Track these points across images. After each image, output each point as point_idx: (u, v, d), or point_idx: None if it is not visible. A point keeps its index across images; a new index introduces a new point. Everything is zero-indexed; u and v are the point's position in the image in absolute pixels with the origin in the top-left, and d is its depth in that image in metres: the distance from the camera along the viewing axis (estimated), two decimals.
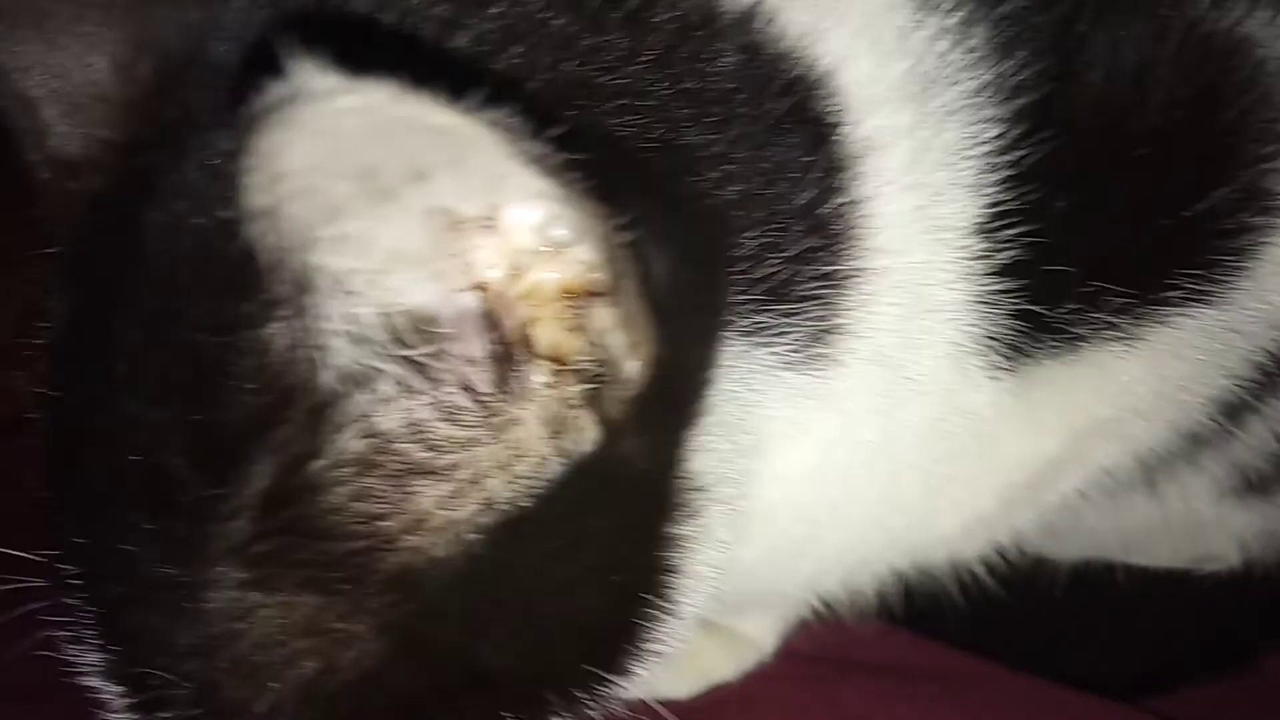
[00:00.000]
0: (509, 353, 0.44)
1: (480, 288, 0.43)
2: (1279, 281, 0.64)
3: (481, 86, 0.37)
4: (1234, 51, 0.62)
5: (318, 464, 0.45)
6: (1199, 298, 0.62)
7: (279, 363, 0.43)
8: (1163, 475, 0.73)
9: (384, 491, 0.45)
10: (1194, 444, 0.71)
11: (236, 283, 0.42)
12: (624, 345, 0.44)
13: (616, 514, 0.49)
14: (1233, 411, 0.69)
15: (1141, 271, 0.60)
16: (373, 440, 0.45)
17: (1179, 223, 0.60)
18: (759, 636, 0.77)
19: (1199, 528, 0.79)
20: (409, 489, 0.45)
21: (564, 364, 0.45)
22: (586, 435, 0.46)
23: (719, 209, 0.52)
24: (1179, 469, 0.72)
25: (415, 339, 0.43)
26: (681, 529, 0.51)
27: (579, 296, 0.44)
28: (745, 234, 0.53)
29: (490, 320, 0.44)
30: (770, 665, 0.77)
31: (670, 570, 0.51)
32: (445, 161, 0.38)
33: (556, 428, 0.45)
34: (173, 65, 0.52)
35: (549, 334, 0.44)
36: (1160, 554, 0.81)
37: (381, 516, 0.45)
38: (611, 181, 0.42)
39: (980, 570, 0.72)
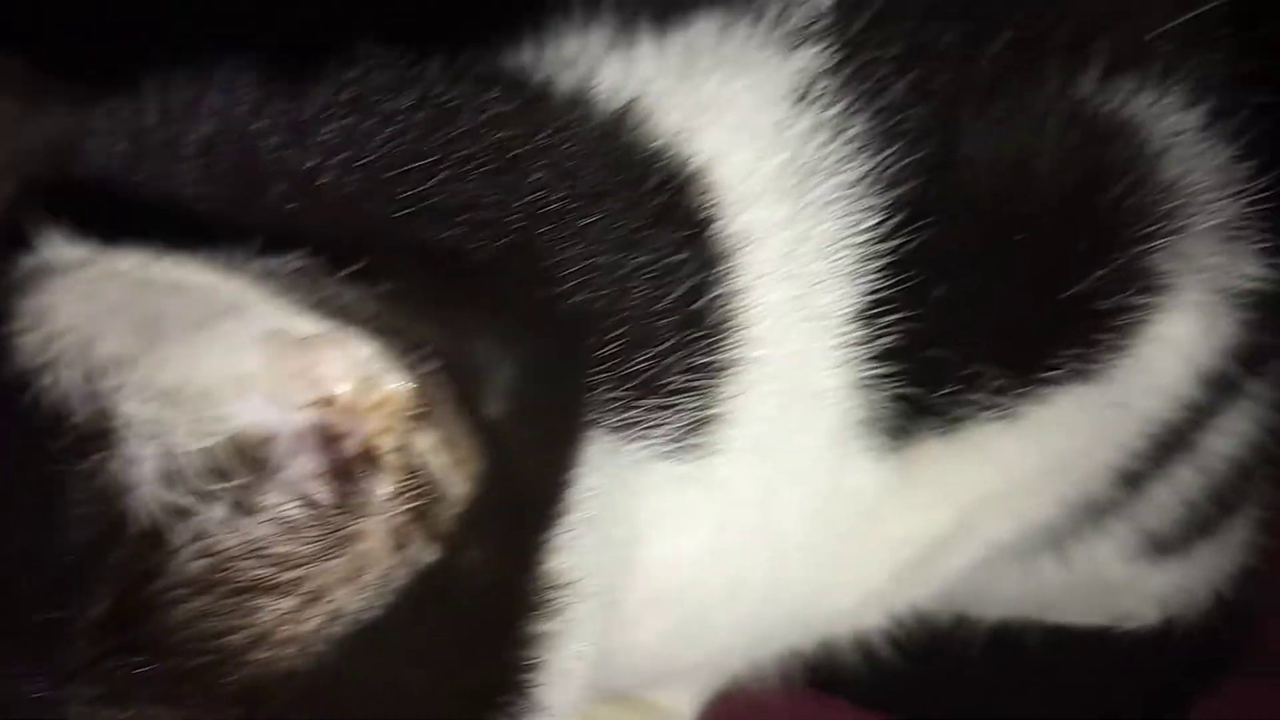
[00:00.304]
0: (348, 467, 0.45)
1: (316, 404, 0.44)
2: (1167, 357, 0.65)
3: (252, 239, 0.38)
4: (1117, 134, 0.63)
5: (157, 585, 0.46)
6: (1079, 376, 0.63)
7: (103, 494, 0.44)
8: (1068, 540, 0.73)
9: (225, 609, 0.46)
10: (1096, 511, 0.72)
11: (44, 427, 0.43)
12: (446, 465, 0.45)
13: (467, 619, 0.49)
14: (1133, 479, 0.70)
15: (1021, 353, 0.62)
16: (211, 560, 0.45)
17: (1059, 304, 0.62)
18: (677, 708, 0.78)
19: (1113, 588, 0.80)
20: (251, 605, 0.46)
21: (398, 479, 0.46)
22: (424, 548, 0.46)
23: (579, 312, 0.53)
24: (1084, 534, 0.73)
25: (243, 464, 0.44)
26: (541, 627, 0.52)
27: (401, 419, 0.44)
28: (610, 334, 0.54)
29: (328, 436, 0.45)
30: None
31: (531, 668, 0.52)
32: (215, 314, 0.40)
33: (399, 539, 0.46)
34: None
35: (382, 450, 0.45)
36: (1078, 613, 0.82)
37: (225, 633, 0.46)
38: (427, 305, 0.43)
39: (886, 637, 0.73)
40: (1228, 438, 0.74)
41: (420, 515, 0.46)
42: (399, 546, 0.46)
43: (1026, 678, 0.82)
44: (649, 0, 0.64)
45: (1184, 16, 0.67)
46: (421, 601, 0.47)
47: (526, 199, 0.54)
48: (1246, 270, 0.67)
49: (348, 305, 0.40)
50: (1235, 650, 0.89)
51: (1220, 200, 0.66)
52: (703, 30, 0.62)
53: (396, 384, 0.44)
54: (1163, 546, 0.78)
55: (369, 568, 0.46)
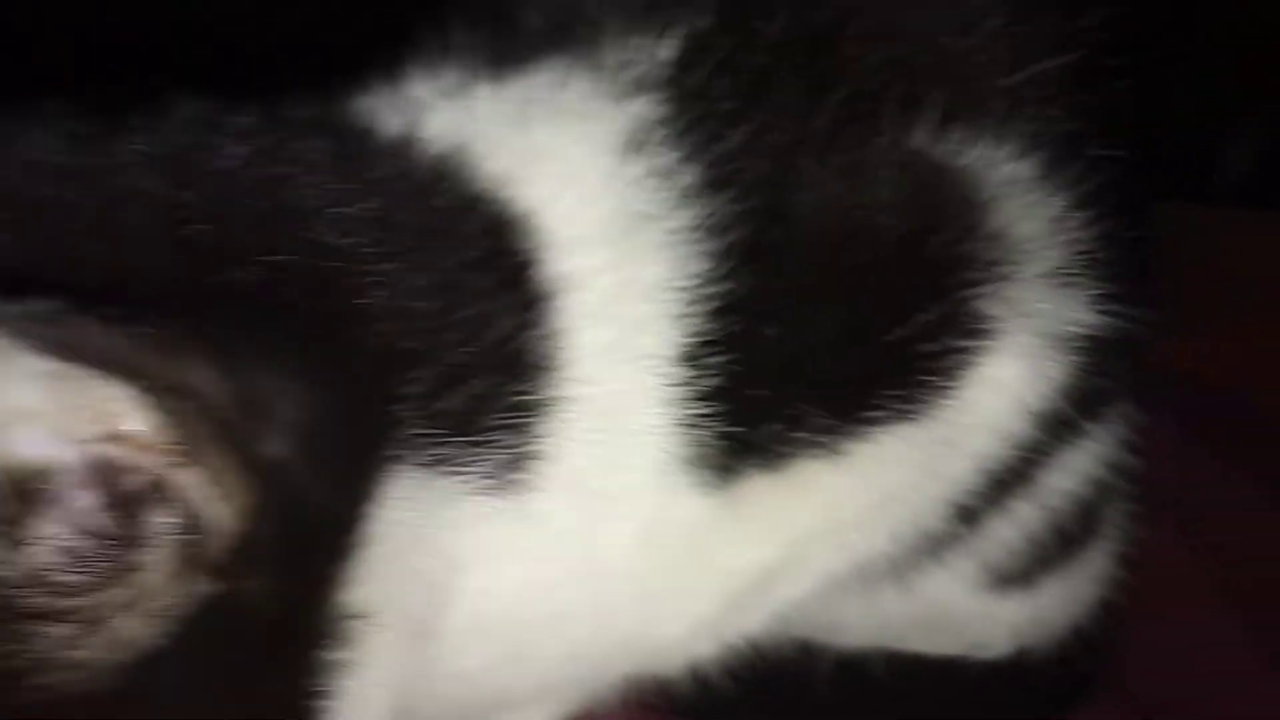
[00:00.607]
0: (129, 500, 0.47)
1: (101, 439, 0.46)
2: (994, 398, 0.67)
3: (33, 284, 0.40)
4: (948, 184, 0.66)
5: None
6: (904, 416, 0.65)
7: None
8: (908, 572, 0.75)
9: (6, 634, 0.48)
10: (934, 544, 0.74)
11: None
12: (212, 500, 0.47)
13: (252, 649, 0.51)
14: (970, 515, 0.73)
15: (844, 394, 0.64)
16: None
17: (883, 347, 0.64)
18: None
19: (959, 619, 0.82)
20: (31, 632, 0.47)
21: (171, 513, 0.48)
22: (200, 580, 0.48)
23: (386, 353, 0.55)
24: (924, 566, 0.75)
25: (20, 495, 0.46)
26: (334, 656, 0.53)
27: (167, 456, 0.46)
28: (421, 373, 0.56)
29: (111, 469, 0.47)
30: None
31: (323, 697, 0.53)
32: None
33: (176, 571, 0.48)
34: None
35: (156, 485, 0.47)
36: (929, 642, 0.84)
37: (6, 656, 0.48)
38: (189, 346, 0.45)
39: (732, 664, 0.75)
40: (1070, 475, 0.76)
41: (192, 548, 0.47)
42: (177, 578, 0.48)
43: (875, 707, 0.83)
44: (496, 47, 0.65)
45: (1021, 73, 0.69)
46: (204, 631, 0.49)
47: (339, 242, 0.55)
48: (1076, 316, 0.69)
49: (101, 348, 0.42)
50: (1090, 683, 0.91)
51: (1050, 248, 0.68)
52: (540, 80, 0.64)
53: (153, 423, 0.45)
54: (1007, 579, 0.79)
55: (150, 598, 0.48)
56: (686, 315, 0.61)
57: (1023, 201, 0.67)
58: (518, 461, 0.59)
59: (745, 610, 0.70)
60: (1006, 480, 0.73)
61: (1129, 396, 0.79)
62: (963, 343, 0.66)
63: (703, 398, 0.62)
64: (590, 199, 0.61)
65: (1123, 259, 0.73)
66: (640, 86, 0.64)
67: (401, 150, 0.60)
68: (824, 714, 0.85)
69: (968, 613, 0.82)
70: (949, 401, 0.66)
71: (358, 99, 0.64)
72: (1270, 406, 1.29)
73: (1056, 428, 0.72)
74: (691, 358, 0.61)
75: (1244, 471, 1.12)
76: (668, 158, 0.62)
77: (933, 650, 0.85)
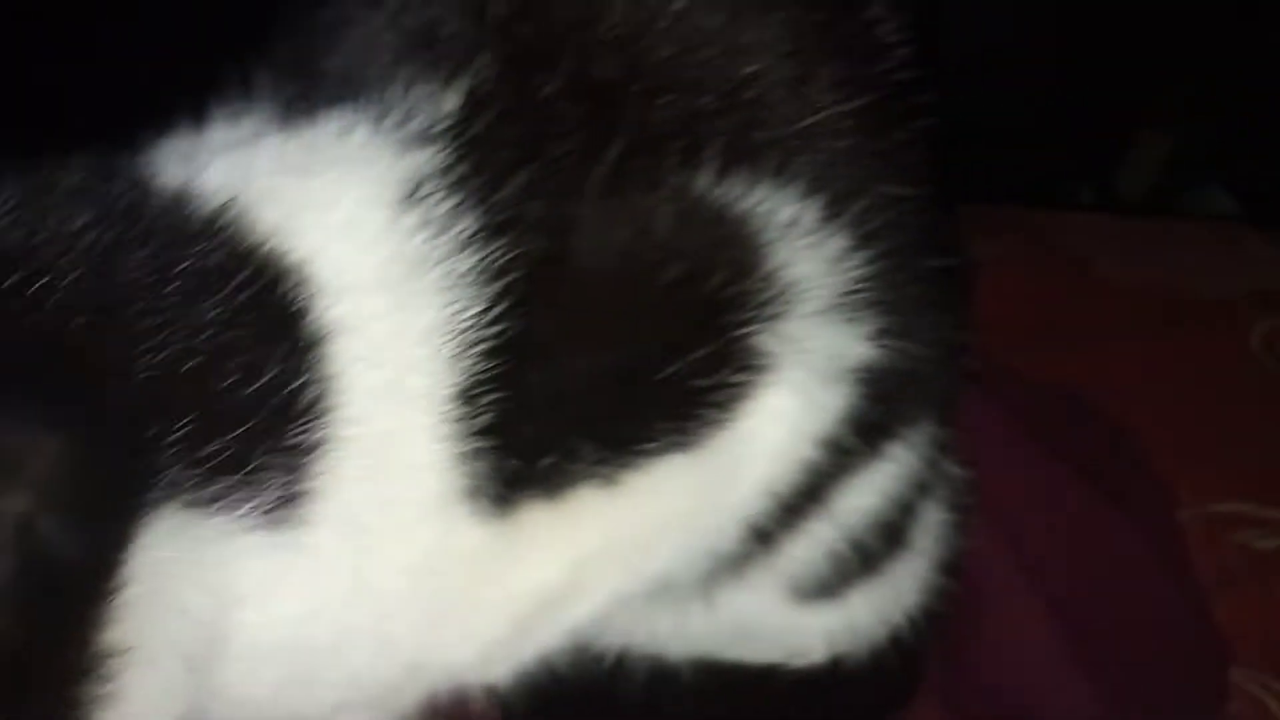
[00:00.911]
0: None
1: None
2: (774, 427, 0.72)
3: None
4: (726, 226, 0.69)
5: None
6: (679, 447, 0.69)
7: None
8: (713, 589, 0.79)
9: None
10: (732, 562, 0.78)
11: None
12: None
13: (5, 688, 0.55)
14: (764, 535, 0.77)
15: (618, 429, 0.68)
16: None
17: (657, 384, 0.68)
18: None
19: (771, 629, 0.86)
20: None
21: None
22: None
23: (147, 401, 0.58)
24: (726, 582, 0.79)
25: None
26: (92, 692, 0.57)
27: None
28: (186, 419, 0.59)
29: None
30: None
31: None
32: None
33: None
34: None
35: None
36: (747, 651, 0.88)
37: None
38: None
39: (546, 676, 0.78)
40: (865, 495, 0.80)
41: None
42: None
43: (691, 714, 0.87)
44: (291, 94, 0.69)
45: (807, 119, 0.73)
46: None
47: (105, 296, 0.59)
48: (854, 349, 0.73)
49: None
50: (910, 687, 0.96)
51: (828, 286, 0.72)
52: (323, 130, 0.67)
53: None
54: (813, 593, 0.83)
55: None
56: (461, 356, 0.64)
57: (802, 242, 0.71)
58: (290, 499, 0.62)
59: (534, 632, 0.73)
60: (797, 504, 0.77)
61: (929, 417, 0.82)
62: (738, 378, 0.70)
63: (477, 434, 0.65)
64: (365, 247, 0.64)
65: (908, 293, 0.77)
66: (422, 137, 0.67)
67: (178, 202, 0.63)
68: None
69: (777, 624, 0.86)
70: (725, 433, 0.70)
71: (145, 149, 0.67)
72: (1120, 415, 1.33)
73: (843, 454, 0.76)
74: (465, 397, 0.65)
75: (1068, 472, 1.15)
76: (445, 206, 0.65)
77: (751, 658, 0.88)
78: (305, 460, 0.62)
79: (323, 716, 0.72)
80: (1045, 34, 2.32)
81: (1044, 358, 1.43)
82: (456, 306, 0.65)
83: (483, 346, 0.65)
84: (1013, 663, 1.03)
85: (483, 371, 0.65)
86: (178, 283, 0.60)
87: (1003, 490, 1.05)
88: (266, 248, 0.63)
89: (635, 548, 0.72)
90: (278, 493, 0.62)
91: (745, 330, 0.69)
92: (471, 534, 0.67)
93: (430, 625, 0.68)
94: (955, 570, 0.94)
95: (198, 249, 0.62)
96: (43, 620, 0.55)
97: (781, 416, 0.72)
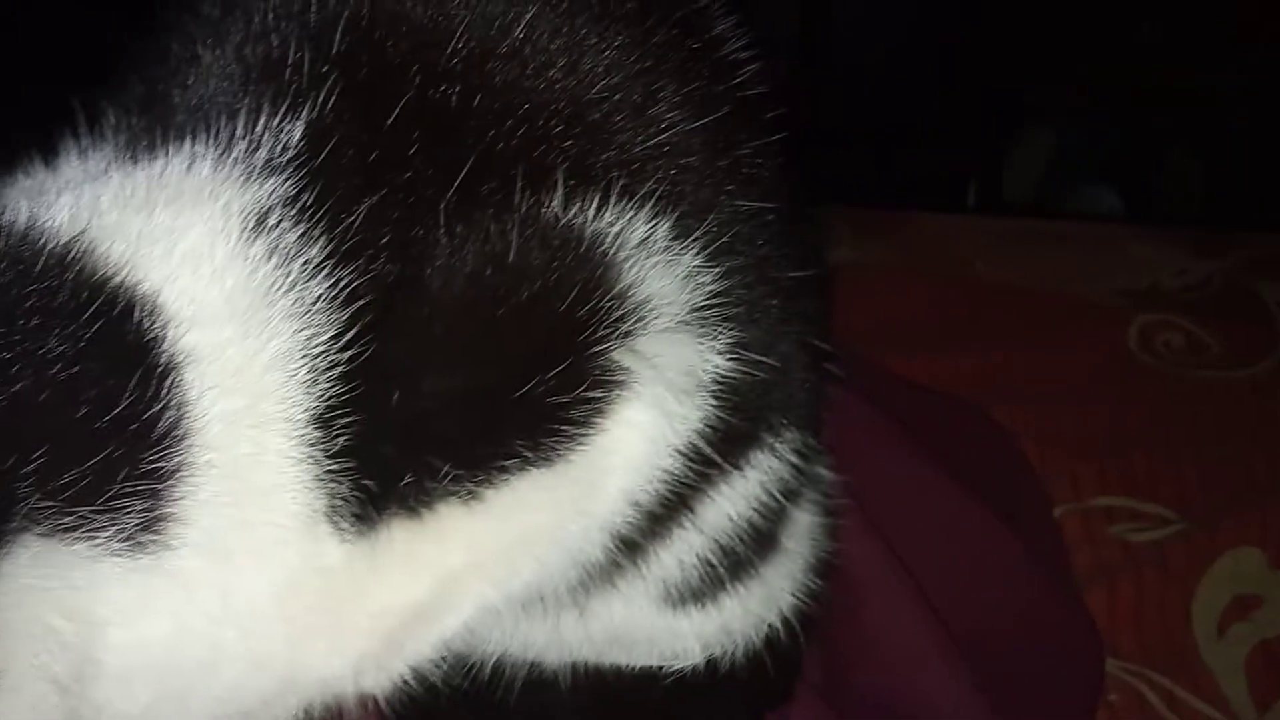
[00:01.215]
0: None
1: None
2: (632, 440, 0.74)
3: None
4: (577, 249, 0.71)
5: None
6: (537, 462, 0.71)
7: None
8: (584, 597, 0.81)
9: None
10: (602, 571, 0.80)
11: None
12: None
13: None
14: (632, 545, 0.79)
15: (473, 448, 0.70)
16: None
17: (513, 402, 0.69)
18: None
19: (645, 635, 0.88)
20: None
21: None
22: None
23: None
24: (599, 591, 0.81)
25: None
26: None
27: None
28: (39, 450, 0.60)
29: None
30: None
31: None
32: None
33: None
34: None
35: None
36: (624, 656, 0.90)
37: None
38: None
39: (429, 685, 0.80)
40: (731, 503, 0.82)
41: None
42: None
43: (573, 718, 0.89)
44: (140, 130, 0.70)
45: (656, 138, 0.75)
46: None
47: None
48: (709, 363, 0.75)
49: None
50: (787, 686, 0.98)
51: (681, 302, 0.74)
52: (169, 164, 0.69)
53: None
54: (685, 599, 0.86)
55: None
56: (314, 381, 0.66)
57: (653, 260, 0.73)
58: (150, 524, 0.63)
59: (405, 645, 0.75)
60: (663, 514, 0.79)
61: (794, 424, 0.85)
62: (594, 394, 0.71)
63: (334, 456, 0.67)
64: (214, 277, 0.66)
65: (764, 306, 0.79)
66: (268, 167, 0.69)
67: (26, 238, 0.64)
68: None
69: (652, 629, 0.88)
70: (584, 448, 0.72)
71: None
72: (1001, 413, 1.37)
73: (705, 464, 0.78)
74: (321, 420, 0.66)
75: (944, 473, 1.18)
76: (293, 234, 0.67)
77: (628, 662, 0.90)
78: (163, 486, 0.64)
79: None
80: (931, 40, 2.36)
81: (926, 358, 1.46)
82: (308, 332, 0.67)
83: (336, 371, 0.67)
84: (890, 660, 1.05)
85: (337, 395, 0.67)
86: (27, 318, 0.62)
87: (879, 492, 1.07)
88: (116, 280, 0.64)
89: (500, 562, 0.74)
90: (137, 519, 0.63)
91: (599, 348, 0.71)
92: (335, 552, 0.68)
93: (299, 642, 0.70)
94: (828, 571, 0.96)
95: (46, 284, 0.63)
96: None
97: (639, 429, 0.74)
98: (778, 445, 0.84)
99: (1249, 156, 2.36)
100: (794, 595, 0.94)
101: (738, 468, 0.81)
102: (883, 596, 1.05)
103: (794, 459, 0.86)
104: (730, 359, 0.76)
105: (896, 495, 1.12)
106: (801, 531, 0.92)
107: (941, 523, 1.14)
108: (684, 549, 0.82)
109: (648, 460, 0.75)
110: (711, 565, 0.85)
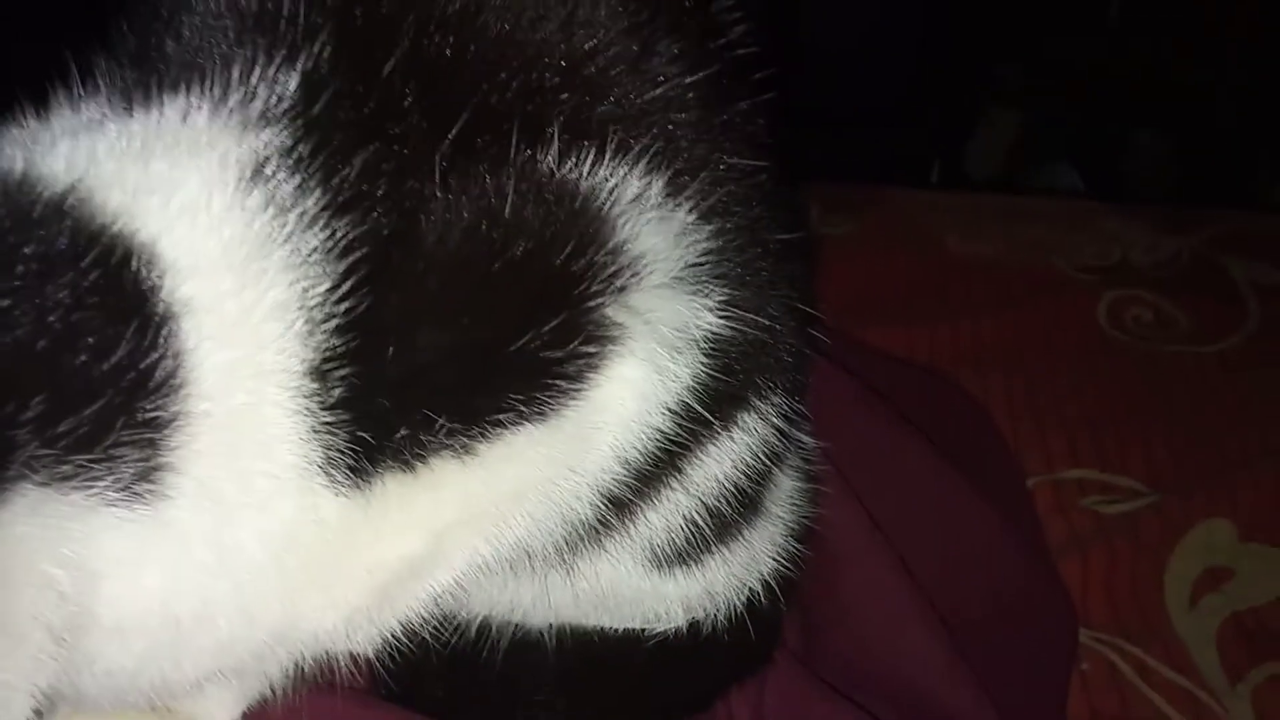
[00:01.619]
0: None
1: None
2: (625, 396, 0.73)
3: None
4: (570, 203, 0.71)
5: None
6: (531, 417, 0.71)
7: None
8: (572, 557, 0.81)
9: None
10: (590, 530, 0.80)
11: None
12: None
13: None
14: (620, 503, 0.79)
15: (468, 401, 0.69)
16: None
17: (507, 355, 0.69)
18: (208, 713, 0.84)
19: (630, 596, 0.88)
20: None
21: None
22: None
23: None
24: (586, 552, 0.81)
25: None
26: None
27: None
28: (36, 398, 0.60)
29: None
30: None
31: None
32: None
33: None
34: None
35: None
36: (608, 617, 0.90)
37: None
38: None
39: (414, 642, 0.80)
40: (719, 464, 0.82)
41: None
42: None
43: (555, 680, 0.89)
44: (133, 79, 0.69)
45: (650, 92, 0.74)
46: None
47: None
48: (702, 319, 0.75)
49: None
50: (767, 649, 0.98)
51: (675, 258, 0.73)
52: (165, 114, 0.68)
53: None
54: (670, 560, 0.85)
55: None
56: (311, 333, 0.66)
57: (647, 216, 0.73)
58: (147, 474, 0.63)
59: (396, 600, 0.75)
60: (652, 473, 0.78)
61: (779, 387, 0.85)
62: (587, 349, 0.71)
63: (331, 408, 0.66)
64: (210, 227, 0.65)
65: (754, 266, 0.79)
66: (263, 118, 0.68)
67: (22, 187, 0.64)
68: (508, 688, 0.90)
69: (636, 591, 0.88)
70: (577, 403, 0.72)
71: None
72: (972, 386, 1.37)
73: (694, 423, 0.78)
74: (317, 372, 0.66)
75: (920, 442, 1.19)
76: (289, 185, 0.66)
77: (613, 624, 0.90)
78: (160, 436, 0.63)
79: (191, 685, 0.73)
80: (896, 19, 2.37)
81: (899, 331, 1.47)
82: (304, 284, 0.66)
83: (332, 323, 0.66)
84: (868, 625, 1.06)
85: (333, 347, 0.66)
86: (25, 265, 0.61)
87: (857, 459, 1.08)
88: (114, 229, 0.63)
89: (493, 517, 0.74)
90: (134, 468, 0.63)
91: (593, 303, 0.71)
92: (330, 506, 0.68)
93: (293, 595, 0.69)
94: (808, 536, 0.96)
95: (44, 232, 0.62)
96: None
97: (632, 387, 0.74)
98: (765, 408, 0.83)
99: (1215, 136, 2.37)
100: (775, 559, 0.94)
101: (726, 428, 0.80)
102: (861, 563, 1.06)
103: (779, 422, 0.85)
104: (722, 317, 0.76)
105: (874, 463, 1.12)
106: (784, 495, 0.92)
107: (919, 491, 1.15)
108: (671, 510, 0.82)
109: (639, 417, 0.75)
110: (697, 527, 0.84)
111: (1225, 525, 1.27)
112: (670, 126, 0.75)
